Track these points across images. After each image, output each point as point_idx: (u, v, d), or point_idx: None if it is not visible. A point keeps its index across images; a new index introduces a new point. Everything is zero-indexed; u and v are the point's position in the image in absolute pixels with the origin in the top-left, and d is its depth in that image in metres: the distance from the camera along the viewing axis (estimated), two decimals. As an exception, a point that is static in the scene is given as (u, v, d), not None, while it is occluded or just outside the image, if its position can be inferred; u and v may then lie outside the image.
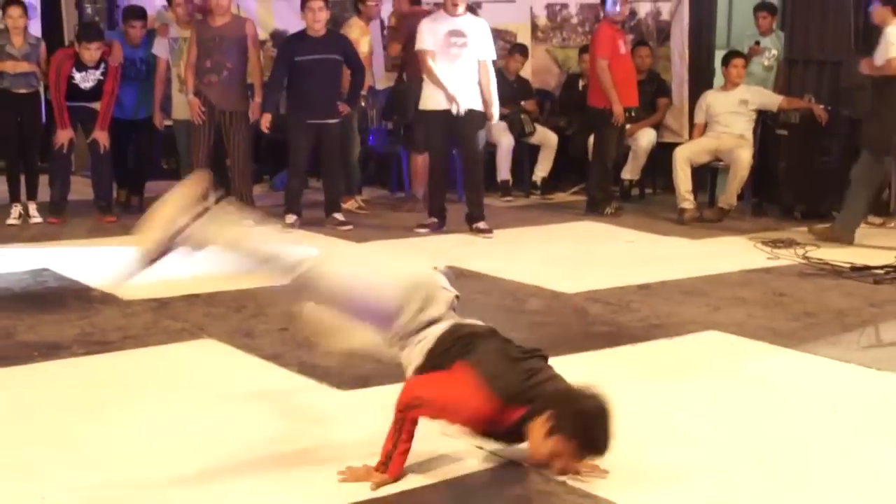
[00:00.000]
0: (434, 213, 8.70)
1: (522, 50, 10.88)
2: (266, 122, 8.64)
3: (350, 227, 8.69)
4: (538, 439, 3.49)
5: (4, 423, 4.20)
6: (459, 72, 8.41)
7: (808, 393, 4.75)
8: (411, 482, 3.60)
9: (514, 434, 3.61)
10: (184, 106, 8.96)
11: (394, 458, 3.58)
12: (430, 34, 8.45)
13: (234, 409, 4.38)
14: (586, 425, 3.45)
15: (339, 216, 8.82)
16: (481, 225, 8.55)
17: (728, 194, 9.33)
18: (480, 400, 3.50)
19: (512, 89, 10.29)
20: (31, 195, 8.88)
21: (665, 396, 4.62)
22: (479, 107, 8.51)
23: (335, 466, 3.67)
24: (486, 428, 3.62)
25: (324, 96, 8.65)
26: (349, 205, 9.47)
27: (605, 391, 3.54)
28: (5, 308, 5.98)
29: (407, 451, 3.59)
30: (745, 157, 9.24)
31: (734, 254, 7.81)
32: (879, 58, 8.03)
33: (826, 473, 3.79)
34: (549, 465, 3.55)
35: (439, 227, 8.60)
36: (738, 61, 9.60)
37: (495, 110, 8.60)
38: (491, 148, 9.97)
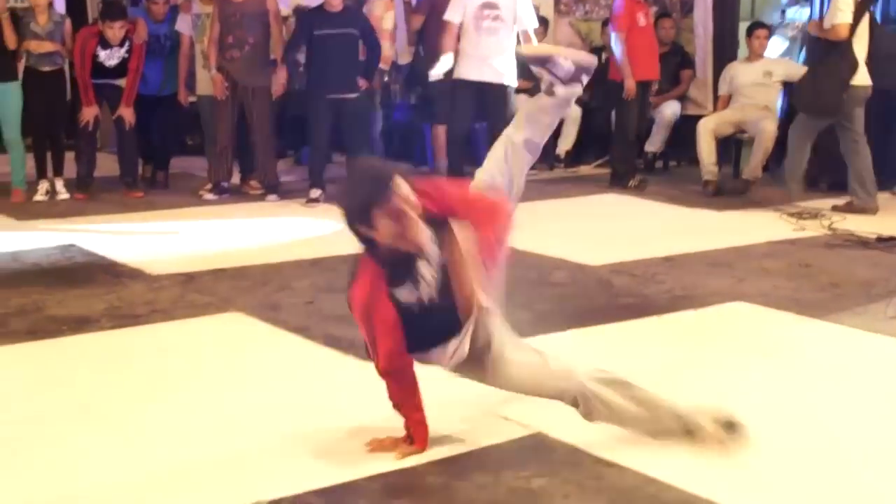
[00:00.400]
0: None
1: (542, 22, 10.84)
2: (282, 78, 8.71)
3: None
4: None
5: (34, 397, 4.25)
6: (493, 45, 8.38)
7: (834, 362, 4.74)
8: (439, 452, 3.62)
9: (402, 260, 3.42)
10: (207, 82, 8.98)
11: (412, 428, 3.61)
12: (460, 6, 8.43)
13: (261, 382, 4.42)
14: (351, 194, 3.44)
15: None
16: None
17: (753, 166, 9.29)
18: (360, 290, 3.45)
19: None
20: (58, 172, 8.93)
21: (690, 367, 4.62)
22: (512, 82, 8.48)
23: (363, 437, 3.70)
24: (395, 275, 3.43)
25: (342, 71, 8.64)
26: (373, 179, 9.48)
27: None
28: (34, 283, 6.04)
29: (419, 419, 3.62)
30: (769, 128, 9.19)
31: (759, 225, 7.79)
32: (827, 21, 8.14)
33: (853, 442, 3.79)
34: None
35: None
36: (762, 32, 9.55)
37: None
38: (514, 121, 9.94)
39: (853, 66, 8.10)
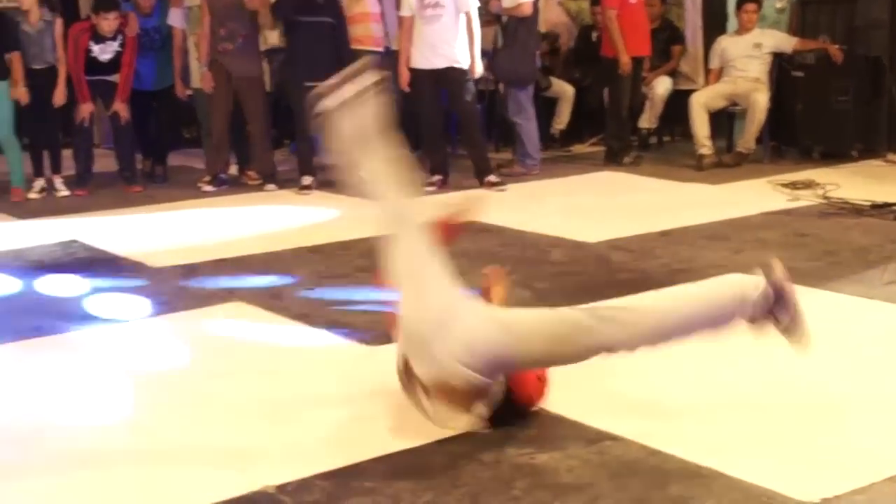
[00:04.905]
0: (437, 170, 8.72)
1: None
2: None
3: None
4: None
5: (43, 394, 4.29)
6: (438, 33, 8.48)
7: (832, 330, 4.73)
8: (443, 432, 3.66)
9: None
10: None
11: None
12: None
13: (266, 369, 4.46)
14: None
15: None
16: (492, 178, 8.58)
17: (746, 138, 9.34)
18: None
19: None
20: (56, 169, 8.96)
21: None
22: (462, 63, 8.55)
23: (366, 422, 3.76)
24: None
25: (322, 58, 8.65)
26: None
27: None
28: (38, 280, 6.08)
29: None
30: (761, 100, 9.23)
31: (754, 197, 7.82)
32: (510, 1, 8.87)
33: (854, 409, 3.83)
34: None
35: (444, 184, 8.61)
36: (750, 6, 9.54)
37: (477, 66, 8.63)
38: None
39: (538, 39, 9.14)
